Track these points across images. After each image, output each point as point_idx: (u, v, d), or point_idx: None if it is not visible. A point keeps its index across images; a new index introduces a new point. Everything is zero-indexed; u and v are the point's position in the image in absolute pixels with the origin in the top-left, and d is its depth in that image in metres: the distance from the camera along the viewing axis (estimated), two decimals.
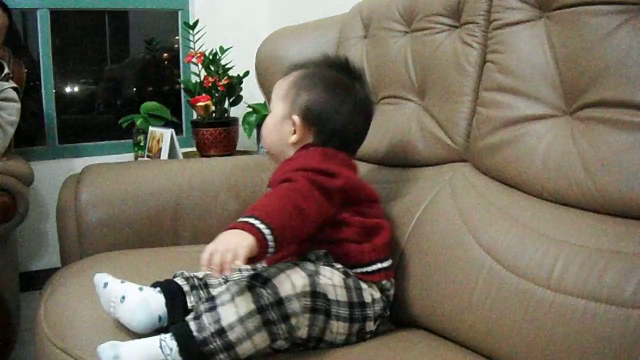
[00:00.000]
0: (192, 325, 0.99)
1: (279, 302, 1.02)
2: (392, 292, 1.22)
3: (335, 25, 1.87)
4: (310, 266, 1.09)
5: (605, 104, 1.07)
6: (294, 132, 1.29)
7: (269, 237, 0.99)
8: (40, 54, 2.98)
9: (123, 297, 1.10)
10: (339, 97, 1.29)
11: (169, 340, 0.99)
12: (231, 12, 3.14)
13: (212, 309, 1.00)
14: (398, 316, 1.26)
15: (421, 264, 1.24)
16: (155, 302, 1.11)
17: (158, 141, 2.67)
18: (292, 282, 1.04)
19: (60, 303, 1.32)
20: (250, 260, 0.98)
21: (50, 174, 2.80)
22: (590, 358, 0.92)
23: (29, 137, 2.94)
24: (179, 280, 1.16)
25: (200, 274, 1.20)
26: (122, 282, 1.14)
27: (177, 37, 3.37)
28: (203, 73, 2.71)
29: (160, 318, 1.10)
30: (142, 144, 2.82)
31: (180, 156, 2.65)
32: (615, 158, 1.03)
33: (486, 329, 1.08)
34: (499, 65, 1.26)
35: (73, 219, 1.66)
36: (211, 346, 0.98)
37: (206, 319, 0.99)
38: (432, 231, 1.25)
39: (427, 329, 1.22)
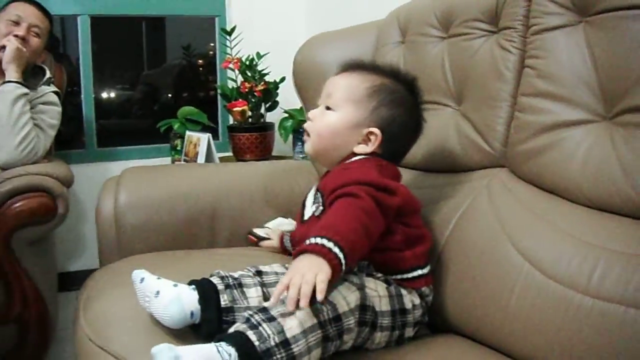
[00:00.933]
0: (252, 335, 0.95)
1: (337, 318, 1.02)
2: (430, 298, 1.22)
3: (372, 31, 1.87)
4: (356, 279, 1.09)
5: None
6: (364, 143, 1.28)
7: (343, 262, 0.98)
8: (81, 59, 3.03)
9: (157, 292, 1.12)
10: (413, 121, 1.31)
11: (225, 347, 0.95)
12: (268, 19, 3.17)
13: (271, 319, 0.97)
14: (434, 321, 1.26)
15: (458, 270, 1.24)
16: (188, 299, 1.11)
17: (195, 145, 2.69)
18: (345, 297, 1.04)
19: (99, 302, 1.34)
20: None
21: (89, 177, 2.85)
22: None
23: (67, 141, 2.99)
24: (214, 279, 1.17)
25: (235, 274, 1.21)
26: (158, 278, 1.16)
27: (212, 44, 3.40)
28: (240, 78, 2.73)
29: (192, 314, 1.10)
30: (179, 148, 2.85)
31: (217, 160, 2.68)
32: None
33: (523, 334, 1.07)
34: (538, 70, 1.25)
35: (112, 221, 1.68)
36: (274, 358, 0.94)
37: (268, 329, 0.96)
38: (469, 236, 1.25)
39: (463, 335, 1.22)
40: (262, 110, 2.78)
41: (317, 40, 1.99)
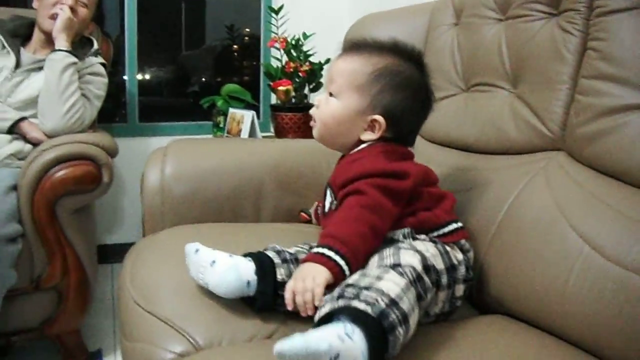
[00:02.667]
0: (358, 304, 0.91)
1: (419, 277, 1.03)
2: (471, 253, 1.21)
3: (425, 12, 1.85)
4: (407, 245, 1.10)
5: None
6: (370, 130, 1.26)
7: (345, 268, 1.03)
8: (127, 35, 3.05)
9: (213, 262, 1.12)
10: (419, 102, 1.27)
11: (337, 324, 0.88)
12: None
13: (367, 288, 0.94)
14: (485, 302, 1.24)
15: (513, 250, 1.22)
16: (244, 268, 1.11)
17: (238, 123, 2.69)
18: (410, 260, 1.04)
19: (145, 269, 1.35)
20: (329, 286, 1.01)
21: (130, 151, 2.87)
22: None
23: (109, 115, 3.01)
24: (270, 253, 1.17)
25: (291, 250, 1.20)
26: (213, 249, 1.16)
27: (247, 30, 3.40)
28: (285, 58, 2.73)
29: (248, 284, 1.10)
30: (221, 125, 2.85)
31: (260, 138, 2.67)
32: None
33: (581, 318, 1.05)
34: (601, 52, 1.23)
35: (158, 191, 1.68)
36: (391, 318, 0.90)
37: (371, 294, 0.93)
38: (525, 218, 1.23)
39: (514, 316, 1.20)
40: (306, 90, 2.77)
41: (369, 20, 1.97)
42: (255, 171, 1.71)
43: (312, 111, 1.33)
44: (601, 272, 1.04)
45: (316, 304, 0.98)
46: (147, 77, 3.41)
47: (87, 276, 2.09)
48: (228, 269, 1.10)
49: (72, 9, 2.24)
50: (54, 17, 2.21)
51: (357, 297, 0.93)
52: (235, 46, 3.64)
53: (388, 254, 1.07)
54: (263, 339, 1.11)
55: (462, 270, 1.16)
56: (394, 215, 1.14)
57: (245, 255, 1.16)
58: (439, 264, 1.11)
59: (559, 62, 1.32)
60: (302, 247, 1.22)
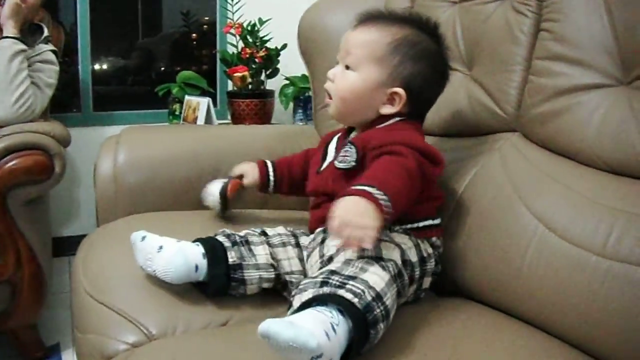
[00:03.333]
0: (345, 294, 0.89)
1: (400, 273, 1.01)
2: (441, 250, 1.20)
3: None
4: (385, 237, 1.06)
5: None
6: (390, 104, 1.21)
7: (388, 218, 0.97)
8: (79, 22, 2.98)
9: (160, 247, 1.10)
10: (438, 73, 1.25)
11: (324, 309, 0.87)
12: None
13: (353, 278, 0.93)
14: (442, 284, 1.24)
15: (469, 232, 1.22)
16: (192, 252, 1.10)
17: (194, 110, 2.66)
18: (392, 254, 1.03)
19: (98, 259, 1.34)
20: None
21: (84, 141, 2.81)
22: None
23: (63, 105, 2.95)
24: (220, 237, 1.15)
25: (241, 233, 1.18)
26: (160, 236, 1.14)
27: (207, 18, 3.36)
28: (240, 44, 2.70)
29: (197, 268, 1.09)
30: (177, 112, 2.82)
31: (216, 125, 2.65)
32: None
33: (537, 296, 1.06)
34: (554, 33, 1.23)
35: (111, 180, 1.65)
36: (375, 312, 0.89)
37: (357, 285, 0.91)
38: (481, 199, 1.23)
39: (471, 297, 1.21)
40: (263, 77, 2.75)
41: (325, 4, 1.95)
42: (210, 158, 1.69)
43: (327, 86, 1.26)
44: (556, 251, 1.05)
45: (368, 246, 0.94)
46: (104, 66, 3.35)
47: (41, 269, 2.04)
48: (175, 254, 1.09)
49: None
50: (1, 3, 2.15)
51: (342, 286, 0.91)
52: (193, 34, 3.59)
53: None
54: (218, 325, 1.09)
55: (432, 263, 1.15)
56: (418, 194, 1.10)
57: (194, 241, 1.14)
58: (413, 257, 1.10)
59: (512, 43, 1.32)
60: (253, 231, 1.20)
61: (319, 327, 0.82)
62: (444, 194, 1.23)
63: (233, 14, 2.71)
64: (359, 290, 0.90)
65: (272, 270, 1.14)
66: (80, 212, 3.07)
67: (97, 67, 3.21)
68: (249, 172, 1.42)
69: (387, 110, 1.21)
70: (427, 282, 1.15)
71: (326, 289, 0.90)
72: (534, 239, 1.09)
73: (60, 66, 2.34)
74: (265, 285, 1.14)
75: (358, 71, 1.21)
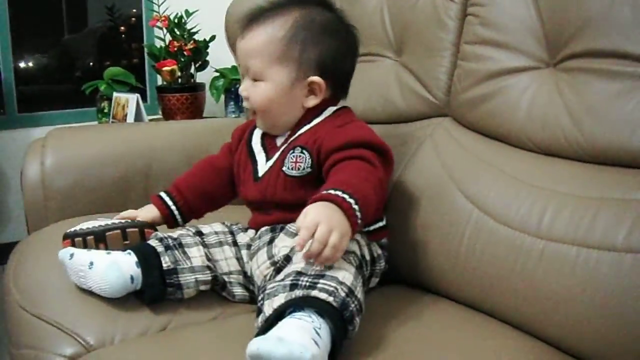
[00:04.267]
0: (319, 294, 0.87)
1: (361, 264, 1.01)
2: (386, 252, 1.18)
3: None
4: None
5: (590, 54, 1.06)
6: (312, 94, 1.15)
7: (360, 223, 0.94)
8: None
9: (91, 263, 1.06)
10: (344, 41, 1.19)
11: (302, 314, 0.85)
12: None
13: (321, 276, 0.90)
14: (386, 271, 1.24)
15: (406, 219, 1.22)
16: (125, 263, 1.06)
17: (123, 107, 2.61)
18: (351, 246, 1.00)
19: (30, 270, 1.30)
20: None
21: (10, 144, 2.74)
22: (583, 303, 0.92)
23: None
24: (152, 242, 1.12)
25: (174, 234, 1.16)
26: (87, 250, 1.11)
27: (133, 10, 3.29)
28: (168, 37, 2.65)
29: (132, 279, 1.05)
30: (106, 110, 2.76)
31: (147, 121, 2.60)
32: (602, 107, 1.02)
33: (475, 280, 1.08)
34: (481, 18, 1.24)
35: (39, 185, 1.60)
36: (351, 308, 0.88)
37: (329, 282, 0.89)
38: (416, 186, 1.24)
39: (412, 284, 1.21)
40: (192, 70, 2.71)
41: None
42: (141, 156, 1.65)
43: (245, 104, 1.21)
44: (492, 234, 1.06)
45: (333, 261, 0.91)
46: (29, 64, 3.25)
47: None
48: (108, 268, 1.05)
49: None
50: None
51: (314, 286, 0.88)
52: (122, 28, 3.51)
53: None
54: (157, 331, 1.07)
55: (381, 264, 1.14)
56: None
57: (125, 249, 1.10)
58: (367, 255, 1.08)
59: (440, 29, 1.33)
60: (186, 231, 1.17)
61: (306, 337, 0.80)
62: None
63: (159, 6, 2.65)
64: (331, 288, 0.88)
65: (208, 272, 1.11)
66: (10, 218, 2.98)
67: (20, 65, 3.11)
68: (143, 215, 1.25)
69: (312, 102, 1.16)
70: (374, 282, 1.15)
71: (298, 292, 0.88)
72: (469, 223, 1.10)
73: None
74: (203, 287, 1.11)
75: (266, 80, 1.15)
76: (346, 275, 0.92)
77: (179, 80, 2.64)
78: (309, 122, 1.16)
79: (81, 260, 1.08)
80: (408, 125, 1.38)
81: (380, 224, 1.16)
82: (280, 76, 1.14)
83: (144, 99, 3.17)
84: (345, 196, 0.92)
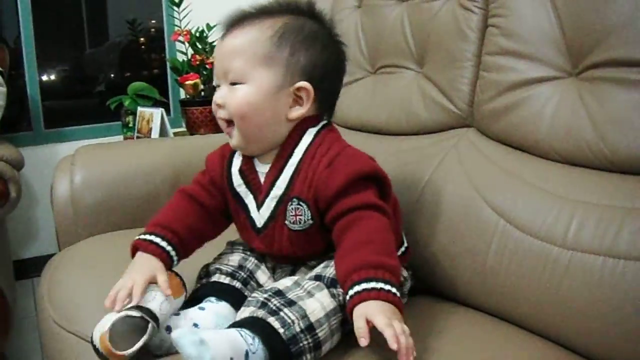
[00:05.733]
0: (274, 322, 0.87)
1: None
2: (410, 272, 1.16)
3: None
4: None
5: (612, 63, 1.06)
6: (297, 104, 1.05)
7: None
8: (22, 37, 2.92)
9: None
10: (332, 54, 1.09)
11: (247, 333, 0.86)
12: None
13: (292, 303, 0.90)
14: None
15: (432, 231, 1.23)
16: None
17: (148, 121, 2.63)
18: None
19: (63, 285, 1.31)
20: None
21: (37, 160, 2.77)
22: (610, 313, 0.93)
23: (12, 124, 2.89)
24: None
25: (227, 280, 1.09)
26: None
27: (153, 21, 3.32)
28: (190, 51, 2.68)
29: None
30: (131, 125, 2.78)
31: (171, 135, 2.63)
32: (625, 116, 1.03)
33: (502, 291, 1.08)
34: (502, 28, 1.25)
35: (68, 202, 1.62)
36: (301, 345, 0.87)
37: (290, 314, 0.88)
38: (441, 197, 1.24)
39: (437, 294, 1.22)
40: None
41: None
42: (168, 172, 1.68)
43: (219, 115, 1.07)
44: (518, 245, 1.07)
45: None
46: (51, 78, 3.29)
47: (5, 298, 2.01)
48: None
49: None
50: None
51: (277, 312, 0.89)
52: (142, 39, 3.55)
53: (332, 264, 0.99)
54: None
55: (407, 285, 1.12)
56: None
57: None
58: None
59: (462, 40, 1.34)
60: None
61: (227, 352, 0.81)
62: (398, 202, 1.16)
63: (180, 20, 2.68)
64: (289, 320, 0.88)
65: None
66: (39, 232, 3.01)
67: (44, 79, 3.15)
68: (151, 271, 1.02)
69: (296, 112, 1.05)
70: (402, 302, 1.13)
71: (260, 312, 0.89)
72: (496, 234, 1.11)
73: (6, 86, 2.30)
74: None
75: (247, 82, 1.03)
76: (317, 309, 0.91)
77: (202, 93, 2.67)
78: (289, 154, 1.06)
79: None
80: (431, 136, 1.39)
81: (402, 248, 1.15)
82: (263, 78, 1.02)
83: (167, 112, 3.20)
84: (383, 286, 0.89)
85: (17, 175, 2.00)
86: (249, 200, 1.10)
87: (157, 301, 0.96)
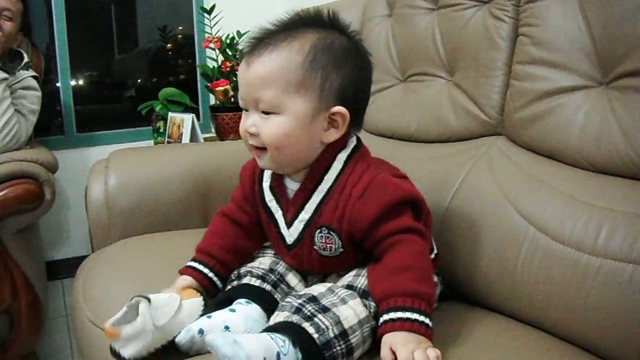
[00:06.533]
0: (309, 327, 0.89)
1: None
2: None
3: (358, 6, 1.87)
4: None
5: None
6: (333, 128, 1.03)
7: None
8: (57, 43, 2.98)
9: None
10: (363, 70, 1.07)
11: (281, 337, 0.89)
12: None
13: (326, 310, 0.92)
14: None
15: (462, 238, 1.24)
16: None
17: (178, 127, 2.66)
18: None
19: (98, 286, 1.34)
20: None
21: (70, 163, 2.81)
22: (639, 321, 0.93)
23: (45, 127, 2.95)
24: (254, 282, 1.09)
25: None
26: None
27: (180, 27, 3.36)
28: (220, 58, 2.71)
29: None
30: (161, 130, 2.82)
31: (202, 140, 2.66)
32: None
33: (532, 298, 1.08)
34: (533, 38, 1.26)
35: (103, 204, 1.66)
36: (334, 350, 0.89)
37: (325, 320, 0.90)
38: (471, 204, 1.25)
39: (466, 300, 1.23)
40: None
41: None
42: (199, 176, 1.71)
43: (250, 142, 1.04)
44: (548, 252, 1.07)
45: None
46: (81, 83, 3.35)
47: (38, 297, 2.05)
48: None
49: None
50: None
51: (311, 317, 0.91)
52: (169, 45, 3.59)
53: (363, 274, 1.02)
54: None
55: (437, 291, 1.13)
56: None
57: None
58: None
59: (492, 49, 1.35)
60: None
61: (260, 352, 0.84)
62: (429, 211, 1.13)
63: (211, 27, 2.71)
64: (323, 326, 0.90)
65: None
66: (70, 234, 3.06)
67: (76, 85, 3.21)
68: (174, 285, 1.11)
69: (332, 136, 1.03)
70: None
71: (295, 318, 0.91)
72: (525, 242, 1.11)
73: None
74: None
75: (282, 112, 1.00)
76: (350, 316, 0.93)
77: (232, 99, 2.69)
78: (319, 180, 1.06)
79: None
80: (462, 144, 1.40)
81: (432, 255, 1.14)
82: (299, 107, 0.99)
83: (197, 117, 3.24)
84: (415, 316, 0.91)
85: (52, 178, 2.04)
86: (279, 216, 1.11)
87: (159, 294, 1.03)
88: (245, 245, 1.18)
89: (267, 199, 1.13)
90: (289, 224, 1.10)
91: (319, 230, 1.05)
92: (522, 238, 1.12)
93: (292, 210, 1.08)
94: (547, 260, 1.07)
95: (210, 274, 1.13)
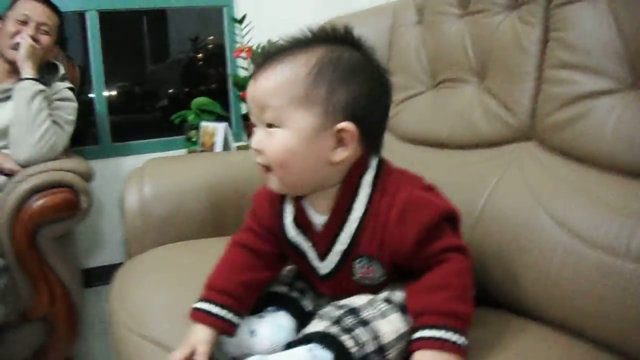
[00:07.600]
0: (347, 340, 0.89)
1: None
2: None
3: (387, 13, 1.87)
4: None
5: None
6: (340, 146, 0.98)
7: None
8: (91, 55, 3.04)
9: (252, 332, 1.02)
10: (376, 84, 1.02)
11: (319, 350, 0.89)
12: (275, 6, 3.16)
13: (365, 323, 0.92)
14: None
15: (494, 243, 1.24)
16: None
17: (211, 136, 2.70)
18: None
19: (134, 292, 1.36)
20: None
21: (104, 173, 2.87)
22: None
23: (79, 137, 3.00)
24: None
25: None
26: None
27: (211, 37, 3.39)
28: (251, 67, 2.73)
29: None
30: (194, 139, 2.86)
31: (234, 149, 2.69)
32: None
33: (565, 303, 1.08)
34: (563, 42, 1.25)
35: (138, 212, 1.69)
36: None
37: (364, 334, 0.91)
38: (503, 209, 1.25)
39: (497, 305, 1.22)
40: None
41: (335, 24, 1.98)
42: (233, 184, 1.73)
43: (257, 160, 1.01)
44: (581, 257, 1.07)
45: None
46: (115, 94, 3.40)
47: (74, 303, 2.08)
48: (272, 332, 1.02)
49: (34, 37, 2.24)
50: (16, 47, 2.20)
51: (351, 330, 0.91)
52: (200, 55, 3.64)
53: (397, 288, 1.02)
54: None
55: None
56: None
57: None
58: None
59: (522, 54, 1.35)
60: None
61: None
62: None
63: (242, 37, 2.75)
64: (362, 340, 0.90)
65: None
66: (105, 242, 3.11)
67: (109, 95, 3.26)
68: (194, 344, 1.01)
69: (340, 155, 0.98)
70: None
71: (334, 330, 0.91)
72: (558, 247, 1.11)
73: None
74: None
75: (285, 125, 0.96)
76: (389, 331, 0.93)
77: None
78: (348, 209, 1.01)
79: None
80: (493, 149, 1.39)
81: None
82: (302, 122, 0.95)
83: (229, 126, 3.27)
84: (448, 336, 0.91)
85: (88, 187, 2.08)
86: (307, 249, 1.07)
87: None
88: (262, 277, 1.10)
89: (290, 235, 1.08)
90: (322, 257, 1.05)
91: (358, 260, 1.02)
92: (555, 243, 1.11)
93: (323, 243, 1.04)
94: (580, 266, 1.06)
95: (230, 317, 1.03)
